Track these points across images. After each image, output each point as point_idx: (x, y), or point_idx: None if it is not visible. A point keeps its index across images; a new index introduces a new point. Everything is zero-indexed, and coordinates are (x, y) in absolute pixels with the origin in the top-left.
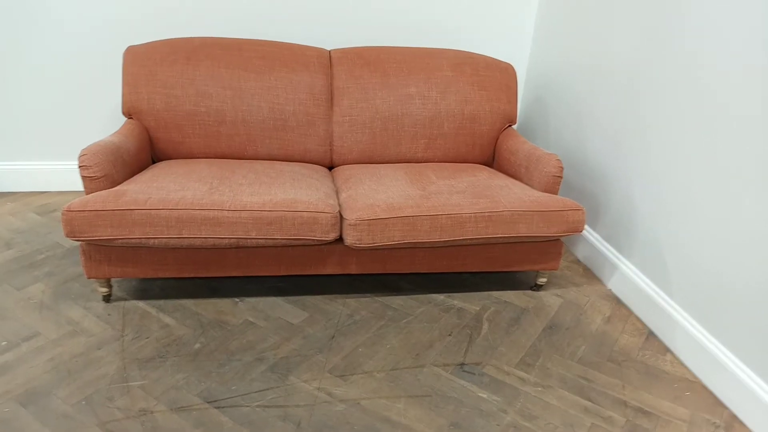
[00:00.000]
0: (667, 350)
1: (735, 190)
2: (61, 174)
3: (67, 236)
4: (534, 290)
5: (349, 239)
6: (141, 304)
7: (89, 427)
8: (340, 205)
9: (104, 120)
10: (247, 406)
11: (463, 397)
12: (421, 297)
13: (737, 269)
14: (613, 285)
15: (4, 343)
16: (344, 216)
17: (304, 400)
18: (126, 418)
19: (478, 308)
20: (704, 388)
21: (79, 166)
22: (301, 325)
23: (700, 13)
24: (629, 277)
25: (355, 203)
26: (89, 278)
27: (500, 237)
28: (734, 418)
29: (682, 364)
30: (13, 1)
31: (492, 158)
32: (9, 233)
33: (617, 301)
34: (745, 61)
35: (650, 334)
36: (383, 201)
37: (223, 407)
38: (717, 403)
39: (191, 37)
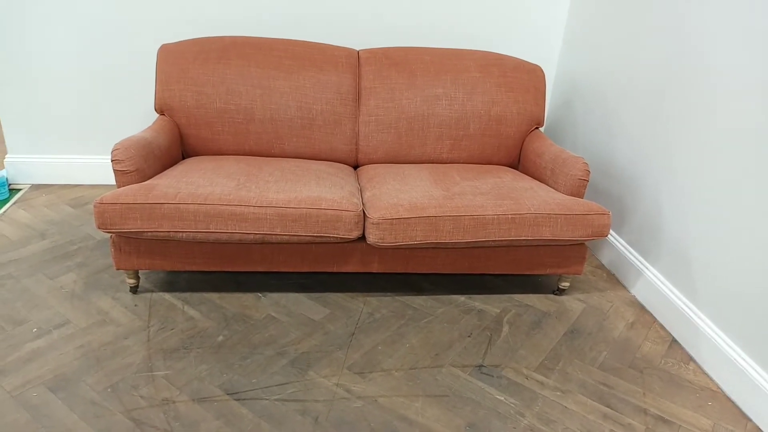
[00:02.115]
0: (690, 359)
1: (762, 199)
2: (95, 168)
3: (99, 228)
4: (556, 294)
5: (372, 238)
6: (167, 296)
7: (114, 414)
8: (363, 204)
9: (138, 116)
10: (267, 399)
11: (480, 398)
12: (442, 297)
13: (764, 279)
14: (638, 291)
15: (35, 329)
16: (367, 215)
17: (322, 395)
18: (150, 406)
19: (498, 310)
20: (727, 398)
21: (112, 160)
22: (322, 321)
23: (729, 26)
24: (654, 284)
25: (378, 202)
26: (118, 269)
27: (523, 239)
28: (758, 430)
29: (705, 373)
30: (51, 0)
31: (517, 160)
32: (44, 224)
33: (641, 308)
34: None
35: (674, 342)
36: (406, 201)
37: (244, 399)
38: (740, 415)
39: (223, 36)
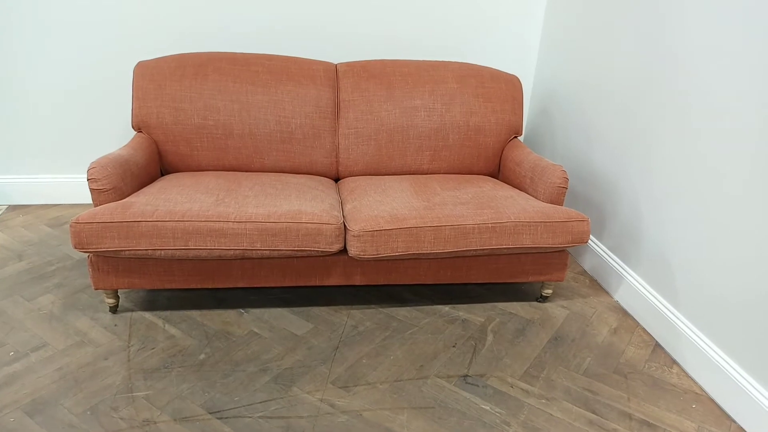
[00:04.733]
0: (673, 362)
1: (740, 201)
2: (73, 187)
3: (75, 248)
4: (540, 301)
5: (353, 250)
6: (147, 315)
7: None
8: (344, 217)
9: (117, 134)
10: (250, 417)
11: (466, 408)
12: (426, 308)
13: (744, 281)
14: (620, 296)
15: (12, 353)
16: (348, 227)
17: (306, 411)
18: (130, 428)
19: (482, 319)
20: (711, 400)
21: (88, 179)
22: (305, 336)
23: (705, 30)
24: (636, 289)
25: (359, 214)
26: (96, 289)
27: (504, 248)
28: (741, 431)
29: (688, 376)
30: (28, 18)
31: (497, 169)
32: (21, 245)
33: (624, 313)
34: (743, 76)
35: (657, 346)
36: (387, 212)
37: (226, 418)
38: (724, 416)
39: (199, 52)
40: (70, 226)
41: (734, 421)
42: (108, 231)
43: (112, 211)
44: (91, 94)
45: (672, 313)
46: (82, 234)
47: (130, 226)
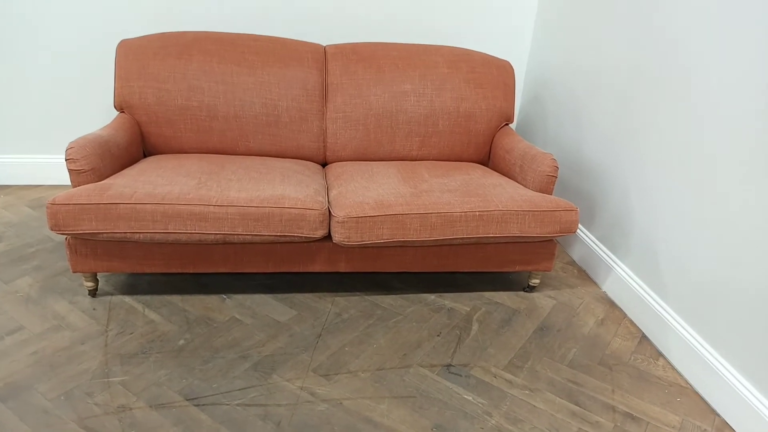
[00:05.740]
0: (659, 355)
1: (729, 194)
2: (56, 168)
3: (52, 230)
4: (527, 291)
5: (338, 236)
6: (127, 299)
7: (66, 423)
8: (329, 202)
9: (100, 114)
10: (228, 405)
11: (448, 398)
12: (412, 296)
13: (731, 274)
14: (608, 287)
15: None
16: (333, 213)
17: (286, 399)
18: (104, 414)
19: (468, 309)
20: (696, 393)
21: (66, 159)
22: (288, 323)
23: (699, 18)
24: (624, 280)
25: (344, 200)
26: (75, 272)
27: (492, 237)
28: (725, 424)
29: (674, 369)
30: (12, 1)
31: (488, 156)
32: (0, 226)
33: (611, 304)
34: (737, 65)
35: (643, 338)
36: (373, 198)
37: (203, 405)
38: (708, 410)
39: (184, 32)
40: (47, 207)
41: (718, 415)
42: (85, 213)
43: (89, 192)
44: (75, 74)
45: (659, 305)
46: (59, 215)
47: (108, 209)
